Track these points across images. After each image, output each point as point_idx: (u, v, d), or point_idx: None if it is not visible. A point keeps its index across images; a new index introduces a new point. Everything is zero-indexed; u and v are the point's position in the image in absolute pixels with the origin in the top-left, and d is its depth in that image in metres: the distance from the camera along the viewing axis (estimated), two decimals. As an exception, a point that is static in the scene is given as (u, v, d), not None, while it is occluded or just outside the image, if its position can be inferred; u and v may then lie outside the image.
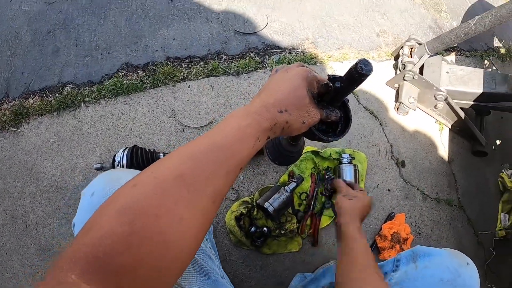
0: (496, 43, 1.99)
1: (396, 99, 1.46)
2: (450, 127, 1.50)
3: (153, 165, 0.35)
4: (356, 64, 0.42)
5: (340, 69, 1.45)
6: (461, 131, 1.50)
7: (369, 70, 0.42)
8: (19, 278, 1.13)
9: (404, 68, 1.41)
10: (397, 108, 1.43)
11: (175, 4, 1.43)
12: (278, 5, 1.49)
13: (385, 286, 0.58)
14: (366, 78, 0.44)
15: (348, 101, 0.56)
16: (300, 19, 1.49)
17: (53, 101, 1.43)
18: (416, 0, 1.85)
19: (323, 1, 1.59)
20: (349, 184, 0.93)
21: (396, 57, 1.55)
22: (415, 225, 1.32)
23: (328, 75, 0.51)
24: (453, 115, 1.42)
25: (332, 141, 0.53)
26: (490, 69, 1.85)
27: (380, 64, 1.54)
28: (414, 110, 1.40)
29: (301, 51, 1.41)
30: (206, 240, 0.76)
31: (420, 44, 1.44)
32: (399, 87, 1.43)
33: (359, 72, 0.42)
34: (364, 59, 0.43)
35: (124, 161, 1.02)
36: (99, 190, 0.53)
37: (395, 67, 1.54)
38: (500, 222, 1.44)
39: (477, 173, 1.52)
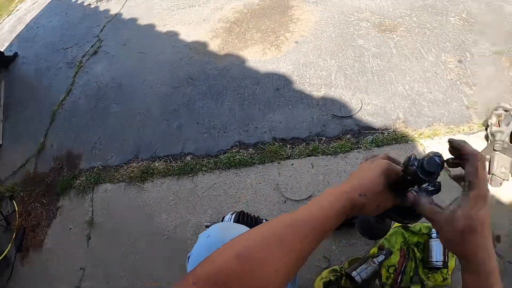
0: None
1: (489, 171, 1.43)
2: (554, 195, 1.37)
3: (263, 226, 0.46)
4: (422, 162, 0.48)
5: (431, 146, 1.50)
6: None
7: (433, 167, 0.48)
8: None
9: (493, 138, 1.38)
10: (490, 180, 1.38)
11: (281, 92, 1.70)
12: (371, 89, 1.65)
13: None
14: (431, 175, 0.49)
15: None
16: (391, 100, 1.62)
17: (175, 166, 1.76)
18: (504, 64, 1.84)
19: (412, 81, 1.70)
20: None
21: (487, 127, 1.53)
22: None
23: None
24: (553, 179, 1.29)
25: (407, 223, 0.60)
26: None
27: (471, 136, 1.54)
28: (507, 180, 1.33)
29: (393, 131, 1.51)
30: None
31: (507, 111, 1.41)
32: (490, 159, 1.39)
33: (425, 169, 0.48)
34: (431, 157, 0.48)
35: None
36: (214, 233, 0.70)
37: (487, 137, 1.52)
38: None
39: None
